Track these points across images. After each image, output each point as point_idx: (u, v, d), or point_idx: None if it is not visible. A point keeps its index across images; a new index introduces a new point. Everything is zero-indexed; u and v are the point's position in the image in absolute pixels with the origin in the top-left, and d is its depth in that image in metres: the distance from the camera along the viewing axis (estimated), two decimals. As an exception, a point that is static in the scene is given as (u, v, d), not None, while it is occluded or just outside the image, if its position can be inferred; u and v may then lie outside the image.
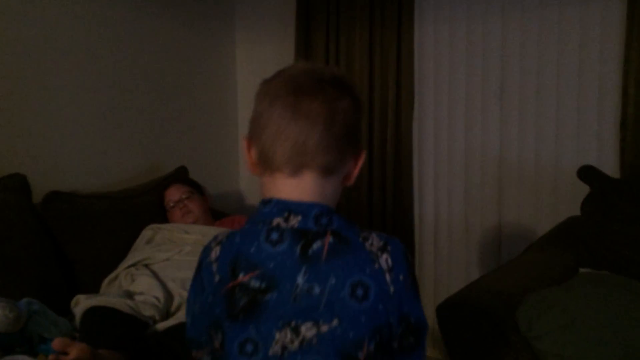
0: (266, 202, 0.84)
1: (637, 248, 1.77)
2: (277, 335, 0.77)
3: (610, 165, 2.20)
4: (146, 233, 2.15)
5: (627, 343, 1.32)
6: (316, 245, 0.79)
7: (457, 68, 2.54)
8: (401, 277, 0.80)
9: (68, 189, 2.10)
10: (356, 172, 0.89)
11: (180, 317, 1.75)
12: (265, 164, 0.84)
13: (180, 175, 2.53)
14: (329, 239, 0.80)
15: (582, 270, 1.80)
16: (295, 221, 0.80)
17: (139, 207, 2.25)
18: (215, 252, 0.85)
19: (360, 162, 0.89)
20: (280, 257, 0.78)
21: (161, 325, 1.70)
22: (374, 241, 0.83)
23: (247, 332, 0.78)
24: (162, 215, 2.30)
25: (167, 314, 1.79)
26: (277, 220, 0.81)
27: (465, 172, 2.57)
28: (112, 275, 1.96)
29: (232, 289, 0.80)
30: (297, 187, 0.82)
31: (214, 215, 2.40)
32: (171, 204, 2.30)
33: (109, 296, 1.73)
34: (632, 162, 2.11)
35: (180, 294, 1.84)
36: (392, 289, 0.79)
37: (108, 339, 1.50)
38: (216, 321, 0.81)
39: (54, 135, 2.20)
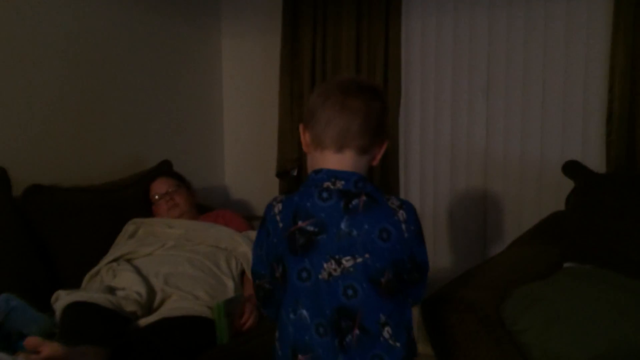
0: (317, 171, 1.13)
1: (621, 242, 1.78)
2: (325, 265, 1.08)
3: (595, 161, 2.21)
4: (129, 227, 2.12)
5: (611, 336, 1.33)
6: (355, 202, 1.09)
7: (443, 62, 2.54)
8: (412, 227, 1.11)
9: (49, 182, 2.06)
10: (379, 155, 1.18)
11: (162, 312, 1.72)
12: (317, 144, 1.14)
13: (164, 169, 2.49)
14: (364, 198, 1.09)
15: (566, 264, 1.81)
16: (340, 184, 1.10)
17: (122, 201, 2.22)
18: (278, 208, 1.14)
19: (384, 148, 1.18)
20: (329, 209, 1.09)
21: (143, 321, 1.68)
22: (394, 201, 1.13)
23: (303, 263, 1.09)
24: (145, 209, 2.27)
25: (149, 310, 1.76)
26: (327, 184, 1.11)
27: (450, 166, 2.58)
28: (94, 270, 1.92)
29: (294, 232, 1.10)
30: (341, 161, 1.12)
31: (198, 209, 2.37)
32: (157, 197, 2.26)
33: (89, 291, 1.70)
34: (617, 157, 2.13)
35: (163, 289, 1.81)
36: (406, 234, 1.10)
37: (88, 334, 1.48)
38: (279, 257, 1.12)
39: (35, 127, 2.16)
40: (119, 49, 2.52)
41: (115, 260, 1.94)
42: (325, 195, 1.10)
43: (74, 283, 1.90)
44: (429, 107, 2.60)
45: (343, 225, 1.08)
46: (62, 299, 1.67)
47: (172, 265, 1.91)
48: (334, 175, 1.11)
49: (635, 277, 1.57)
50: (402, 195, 2.68)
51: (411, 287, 1.17)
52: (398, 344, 1.07)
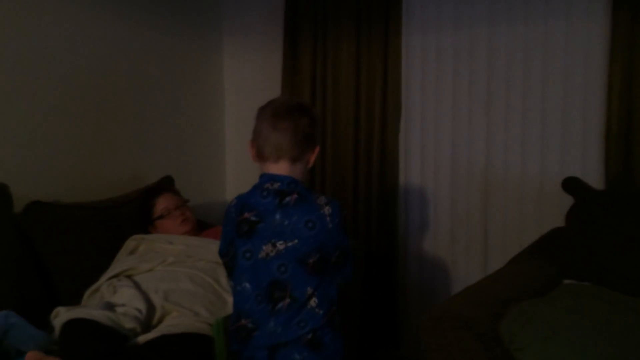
0: (261, 176, 1.41)
1: (620, 260, 1.78)
2: (263, 247, 1.34)
3: (594, 177, 2.22)
4: (129, 244, 2.13)
5: (608, 354, 1.32)
6: (287, 199, 1.36)
7: (443, 78, 2.56)
8: (336, 220, 1.37)
9: (50, 198, 2.07)
10: (312, 159, 1.44)
11: (162, 329, 1.72)
12: (260, 156, 1.41)
13: (166, 185, 2.50)
14: (295, 196, 1.37)
15: (565, 281, 1.81)
16: (276, 185, 1.38)
17: (122, 218, 2.22)
18: (233, 203, 1.44)
19: (315, 154, 1.44)
20: (267, 204, 1.36)
21: (142, 338, 1.67)
22: (322, 199, 1.39)
23: (247, 245, 1.36)
24: (146, 226, 2.27)
25: (148, 326, 1.76)
26: (267, 185, 1.38)
27: (451, 182, 2.58)
28: (94, 286, 1.92)
29: (240, 221, 1.38)
30: (278, 169, 1.39)
31: (199, 226, 2.38)
32: (167, 212, 2.25)
33: (89, 308, 1.70)
34: (617, 173, 2.13)
35: (163, 305, 1.81)
36: (330, 225, 1.36)
37: (87, 352, 1.48)
38: (231, 240, 1.41)
39: (36, 143, 2.18)
40: (122, 66, 2.55)
41: (115, 276, 1.95)
42: (265, 193, 1.37)
43: (74, 300, 1.90)
44: (429, 123, 2.61)
45: (277, 216, 1.34)
46: (62, 315, 1.67)
47: (173, 282, 1.91)
48: (272, 178, 1.39)
49: (633, 294, 1.57)
50: (402, 210, 2.69)
51: (339, 269, 1.42)
52: (321, 312, 1.32)
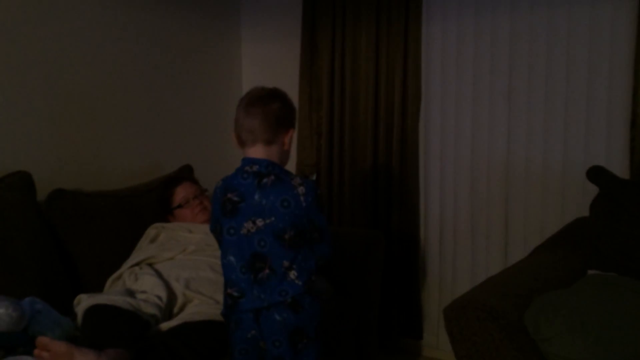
0: (243, 159, 1.52)
1: (646, 250, 1.74)
2: (245, 224, 1.46)
3: (619, 166, 2.18)
4: (150, 232, 2.14)
5: (636, 346, 1.30)
6: (265, 180, 1.47)
7: (464, 67, 2.52)
8: (309, 199, 1.46)
9: (72, 186, 2.09)
10: (287, 141, 1.53)
11: (183, 317, 1.73)
12: (240, 141, 1.53)
13: (185, 174, 2.51)
14: (272, 177, 1.47)
15: (590, 272, 1.78)
16: (255, 168, 1.49)
17: (143, 206, 2.23)
18: (219, 184, 1.55)
19: (289, 136, 1.54)
20: (247, 185, 1.48)
21: (164, 325, 1.69)
22: (297, 180, 1.49)
23: (230, 222, 1.48)
24: (165, 215, 2.28)
25: (170, 314, 1.78)
26: (247, 168, 1.50)
27: (471, 172, 2.55)
28: (116, 274, 1.94)
29: (225, 201, 1.50)
30: (256, 152, 1.50)
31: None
32: (185, 201, 2.26)
33: (110, 294, 1.71)
34: (642, 162, 2.09)
35: (184, 293, 1.82)
36: (304, 204, 1.46)
37: (110, 336, 1.49)
38: (218, 218, 1.53)
39: (58, 132, 2.19)
40: (140, 56, 2.55)
41: (137, 264, 1.96)
42: (245, 176, 1.48)
43: (96, 287, 1.92)
44: (449, 112, 2.58)
45: (256, 197, 1.45)
46: (84, 302, 1.69)
47: (193, 270, 1.92)
48: (251, 162, 1.50)
49: (662, 285, 1.54)
50: (422, 201, 2.67)
51: (315, 245, 1.52)
52: (299, 282, 1.45)
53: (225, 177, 1.55)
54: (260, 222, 1.45)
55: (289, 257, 1.45)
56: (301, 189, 1.46)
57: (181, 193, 2.28)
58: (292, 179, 1.50)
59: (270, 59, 3.09)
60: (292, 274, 1.45)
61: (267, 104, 1.50)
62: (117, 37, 2.42)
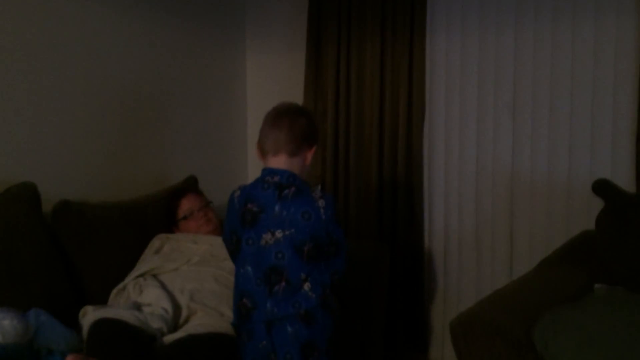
0: (263, 169, 1.54)
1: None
2: (264, 236, 1.47)
3: (625, 179, 2.17)
4: (155, 243, 2.14)
5: (645, 363, 1.29)
6: (286, 191, 1.48)
7: (469, 80, 2.53)
8: (329, 212, 1.48)
9: (77, 197, 2.09)
10: (309, 156, 1.55)
11: (188, 329, 1.73)
12: (262, 151, 1.54)
13: (190, 186, 2.51)
14: (293, 189, 1.48)
15: (596, 285, 1.77)
16: (276, 178, 1.50)
17: (148, 217, 2.23)
18: (237, 194, 1.55)
19: (312, 152, 1.56)
20: (268, 196, 1.48)
21: (169, 337, 1.68)
22: (317, 193, 1.51)
23: (249, 233, 1.49)
24: (170, 227, 2.28)
25: (174, 326, 1.77)
26: (267, 178, 1.51)
27: (476, 184, 2.55)
28: (121, 285, 1.94)
29: (244, 212, 1.50)
30: (277, 162, 1.51)
31: (221, 226, 2.37)
32: (190, 212, 2.25)
33: (117, 308, 1.71)
34: (648, 176, 2.08)
35: (188, 305, 1.82)
36: (323, 217, 1.47)
37: (115, 352, 1.49)
38: (235, 229, 1.53)
39: (64, 144, 2.19)
40: (146, 68, 2.56)
41: (141, 275, 1.96)
42: (266, 186, 1.49)
43: (101, 298, 1.91)
44: (453, 125, 2.58)
45: (277, 208, 1.46)
46: (90, 314, 1.69)
47: (198, 282, 1.91)
48: (272, 172, 1.51)
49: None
50: (426, 214, 2.67)
51: (331, 259, 1.52)
52: (314, 295, 1.45)
53: (244, 186, 1.56)
54: (279, 234, 1.45)
55: (306, 270, 1.46)
56: (321, 202, 1.48)
57: (186, 205, 2.28)
58: (313, 191, 1.52)
59: (275, 71, 3.10)
60: (307, 286, 1.46)
61: (295, 118, 1.52)
62: (123, 49, 2.43)
